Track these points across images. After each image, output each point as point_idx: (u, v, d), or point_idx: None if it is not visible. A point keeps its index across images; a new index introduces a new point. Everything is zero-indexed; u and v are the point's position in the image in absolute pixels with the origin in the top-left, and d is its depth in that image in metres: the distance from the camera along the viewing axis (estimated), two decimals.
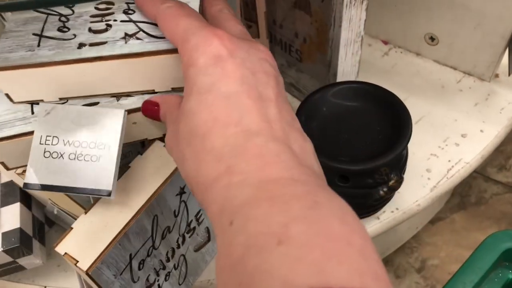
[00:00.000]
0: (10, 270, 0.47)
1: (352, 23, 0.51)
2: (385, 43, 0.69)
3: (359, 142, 0.47)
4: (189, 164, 0.26)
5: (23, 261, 0.46)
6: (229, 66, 0.26)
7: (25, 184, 0.37)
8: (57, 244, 0.37)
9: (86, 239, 0.36)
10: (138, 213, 0.37)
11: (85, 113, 0.37)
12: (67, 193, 0.37)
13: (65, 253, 0.36)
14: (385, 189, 0.46)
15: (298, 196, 0.21)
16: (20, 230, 0.45)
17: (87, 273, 0.35)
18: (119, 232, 0.36)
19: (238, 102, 0.25)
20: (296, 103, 0.64)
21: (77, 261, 0.35)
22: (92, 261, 0.35)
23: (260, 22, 0.59)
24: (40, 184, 0.37)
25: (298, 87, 0.64)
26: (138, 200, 0.38)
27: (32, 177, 0.37)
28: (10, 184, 0.48)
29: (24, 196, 0.48)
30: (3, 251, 0.44)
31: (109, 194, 0.36)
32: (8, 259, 0.45)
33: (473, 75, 0.64)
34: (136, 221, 0.37)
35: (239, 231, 0.21)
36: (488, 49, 0.60)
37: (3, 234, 0.45)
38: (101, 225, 0.37)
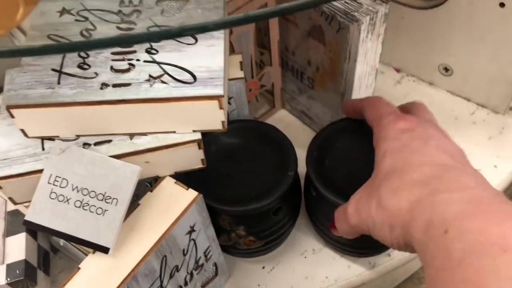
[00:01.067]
0: None
1: (367, 56, 0.50)
2: (398, 71, 0.69)
3: None
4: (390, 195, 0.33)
5: None
6: (415, 133, 0.36)
7: (26, 222, 0.36)
8: (64, 285, 0.36)
9: (94, 281, 0.36)
10: (148, 255, 0.36)
11: (100, 161, 0.36)
12: (66, 240, 0.36)
13: None
14: None
15: (508, 213, 0.27)
16: (25, 262, 0.45)
17: None
18: (128, 275, 0.35)
19: (430, 151, 0.34)
20: (308, 132, 0.64)
21: None
22: None
23: (273, 50, 0.58)
24: (41, 225, 0.36)
25: (309, 115, 0.63)
26: (148, 241, 0.37)
27: (34, 216, 0.36)
28: (16, 213, 0.47)
29: None
30: (7, 284, 0.43)
31: (107, 251, 0.36)
32: None
33: (487, 107, 0.63)
34: (145, 263, 0.36)
35: (455, 239, 0.26)
36: (503, 81, 0.59)
37: (8, 266, 0.44)
38: (109, 266, 0.36)
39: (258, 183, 0.45)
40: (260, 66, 0.61)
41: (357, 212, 0.37)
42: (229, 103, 0.48)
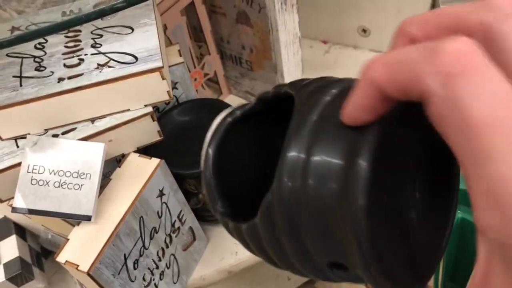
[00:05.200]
0: None
1: (287, 26, 0.57)
2: (325, 42, 0.76)
3: None
4: None
5: (27, 287, 0.50)
6: None
7: (14, 208, 0.41)
8: (57, 255, 0.41)
9: (82, 246, 0.41)
10: (125, 215, 0.42)
11: (69, 145, 0.42)
12: (52, 217, 0.42)
13: (66, 261, 0.40)
14: None
15: None
16: (20, 259, 0.49)
17: (88, 274, 0.39)
18: (111, 234, 0.41)
19: None
20: None
21: (78, 266, 0.40)
22: (91, 262, 0.39)
23: (208, 39, 0.65)
24: (28, 209, 0.42)
25: (254, 94, 0.70)
26: (123, 205, 0.43)
27: (20, 202, 0.41)
28: (4, 220, 0.52)
29: (19, 229, 0.52)
30: (7, 279, 0.48)
31: (89, 219, 0.41)
32: (13, 287, 0.49)
33: None
34: (124, 222, 0.42)
35: None
36: None
37: (5, 265, 0.49)
38: (94, 232, 0.42)
39: None
40: (201, 58, 0.68)
41: None
42: (176, 87, 0.55)
